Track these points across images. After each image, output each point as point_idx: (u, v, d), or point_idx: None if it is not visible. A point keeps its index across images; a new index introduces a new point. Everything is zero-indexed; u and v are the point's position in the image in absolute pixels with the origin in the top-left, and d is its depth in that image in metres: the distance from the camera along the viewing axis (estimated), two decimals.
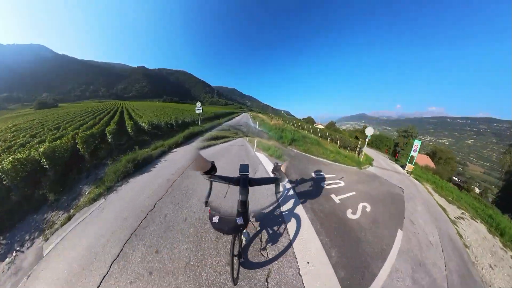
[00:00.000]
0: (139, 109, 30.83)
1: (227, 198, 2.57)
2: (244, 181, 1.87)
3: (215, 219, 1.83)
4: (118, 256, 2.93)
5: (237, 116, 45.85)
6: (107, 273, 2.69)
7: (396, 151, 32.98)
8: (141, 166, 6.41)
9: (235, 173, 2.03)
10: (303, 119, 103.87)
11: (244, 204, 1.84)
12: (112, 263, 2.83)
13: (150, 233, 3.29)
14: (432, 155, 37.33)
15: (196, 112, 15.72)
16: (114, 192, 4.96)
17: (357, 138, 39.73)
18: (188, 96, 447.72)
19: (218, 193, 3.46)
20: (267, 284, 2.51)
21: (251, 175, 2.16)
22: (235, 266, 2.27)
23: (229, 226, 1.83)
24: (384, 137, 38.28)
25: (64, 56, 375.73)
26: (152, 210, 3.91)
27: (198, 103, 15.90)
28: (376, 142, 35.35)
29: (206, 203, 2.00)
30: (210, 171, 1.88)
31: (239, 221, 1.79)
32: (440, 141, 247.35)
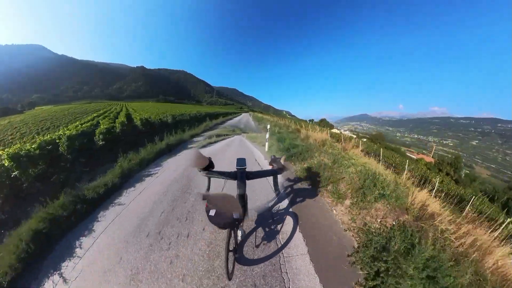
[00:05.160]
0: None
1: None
2: (242, 175, 1.88)
3: (212, 212, 1.81)
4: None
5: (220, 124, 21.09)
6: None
7: None
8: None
9: (232, 167, 2.00)
10: (309, 120, 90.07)
11: (242, 197, 1.85)
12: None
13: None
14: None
15: None
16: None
17: (448, 175, 26.20)
18: (187, 95, 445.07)
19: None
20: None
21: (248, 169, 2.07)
22: (230, 261, 2.28)
23: (225, 221, 1.80)
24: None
25: (63, 56, 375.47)
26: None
27: None
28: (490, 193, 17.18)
29: (204, 197, 1.94)
30: (208, 167, 1.86)
31: (236, 215, 1.78)
32: (445, 142, 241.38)
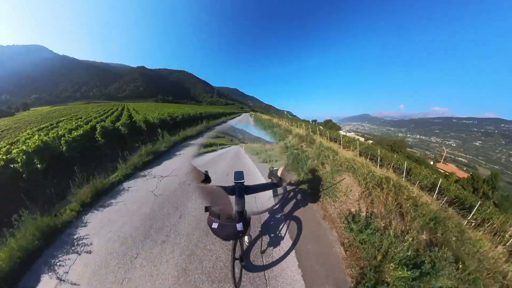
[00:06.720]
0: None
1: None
2: (240, 189, 1.82)
3: (215, 225, 1.79)
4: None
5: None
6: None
7: None
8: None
9: (229, 181, 1.98)
10: (312, 121, 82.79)
11: (241, 214, 1.78)
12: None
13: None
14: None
15: None
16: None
17: (484, 194, 21.56)
18: (186, 95, 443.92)
19: None
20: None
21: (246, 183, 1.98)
22: (237, 270, 2.26)
23: (229, 232, 1.79)
24: None
25: (64, 56, 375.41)
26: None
27: None
28: None
29: (206, 209, 1.90)
30: (204, 181, 1.86)
31: (239, 227, 1.75)
32: (447, 142, 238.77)
